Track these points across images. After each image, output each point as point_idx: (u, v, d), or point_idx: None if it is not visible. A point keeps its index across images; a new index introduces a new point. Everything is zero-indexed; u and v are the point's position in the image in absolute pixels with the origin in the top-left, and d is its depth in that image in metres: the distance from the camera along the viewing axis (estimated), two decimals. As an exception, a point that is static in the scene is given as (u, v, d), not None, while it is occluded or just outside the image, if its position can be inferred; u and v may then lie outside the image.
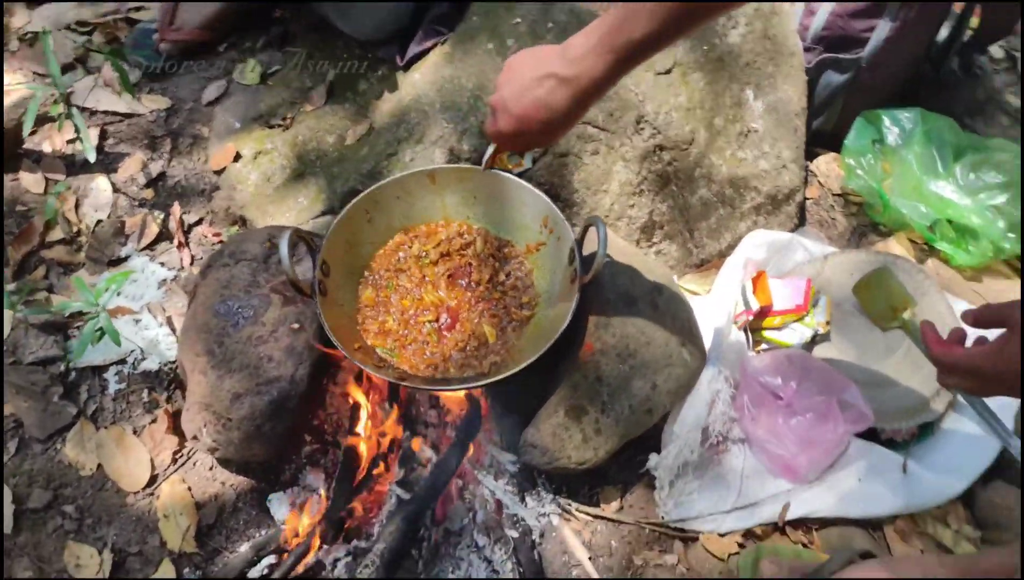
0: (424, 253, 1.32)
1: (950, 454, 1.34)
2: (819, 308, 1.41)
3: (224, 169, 1.59)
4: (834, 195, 1.73)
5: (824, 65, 1.63)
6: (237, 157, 1.58)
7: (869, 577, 1.15)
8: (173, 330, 1.42)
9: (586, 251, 1.23)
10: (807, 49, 1.63)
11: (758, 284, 1.43)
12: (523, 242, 1.33)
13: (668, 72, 1.41)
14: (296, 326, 1.20)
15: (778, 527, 1.30)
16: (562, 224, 1.26)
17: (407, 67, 1.53)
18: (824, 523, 1.31)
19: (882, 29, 1.56)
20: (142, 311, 1.43)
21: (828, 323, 1.40)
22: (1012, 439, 1.35)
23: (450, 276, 1.31)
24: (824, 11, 1.58)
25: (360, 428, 1.30)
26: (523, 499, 1.31)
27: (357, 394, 1.30)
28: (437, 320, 1.26)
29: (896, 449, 1.36)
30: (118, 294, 1.41)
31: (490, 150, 1.15)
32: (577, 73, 0.90)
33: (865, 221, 1.71)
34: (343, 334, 1.18)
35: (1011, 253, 1.57)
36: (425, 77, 1.46)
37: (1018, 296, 1.61)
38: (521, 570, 1.23)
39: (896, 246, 1.66)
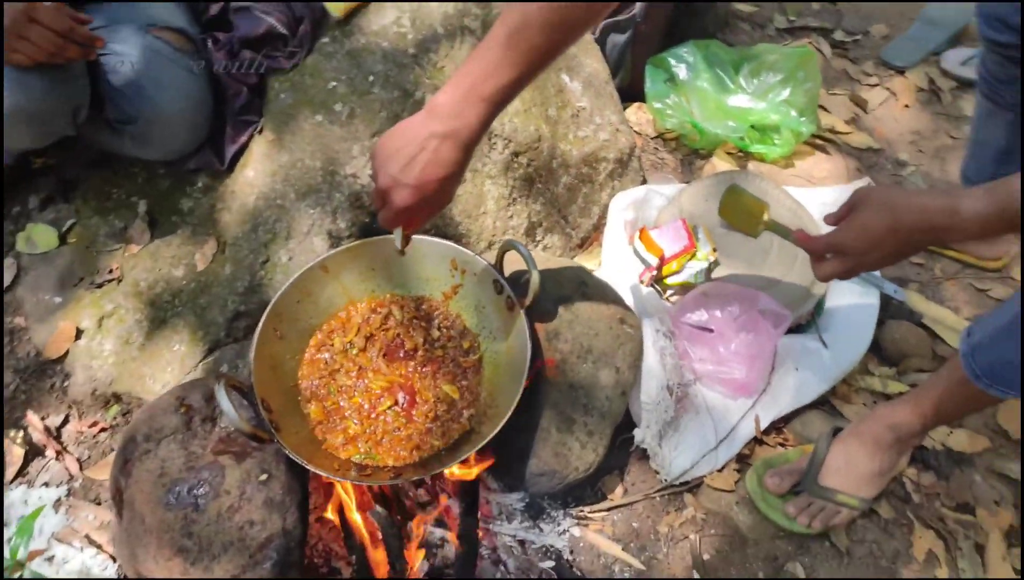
0: (349, 344, 1.25)
1: (846, 316, 1.53)
2: (702, 240, 1.53)
3: (67, 352, 1.38)
4: (653, 139, 1.87)
5: (607, 31, 1.76)
6: (78, 334, 1.37)
7: (850, 451, 1.30)
8: (99, 547, 1.22)
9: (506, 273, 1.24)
10: (586, 21, 1.74)
11: (644, 240, 1.52)
12: (438, 292, 1.31)
13: (493, 83, 1.43)
14: (264, 477, 1.09)
15: (758, 440, 1.41)
16: (472, 259, 1.26)
17: (231, 168, 1.42)
18: (787, 419, 1.44)
19: (643, -16, 1.71)
20: (51, 545, 1.21)
21: (715, 250, 1.53)
22: (884, 283, 1.57)
23: (385, 355, 1.25)
24: (588, -17, 1.69)
25: (361, 542, 1.21)
26: (539, 528, 1.31)
27: (346, 509, 1.21)
28: (396, 403, 1.21)
29: (806, 330, 1.53)
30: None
31: (398, 234, 1.07)
32: (456, 127, 0.92)
33: (687, 151, 1.87)
34: (317, 461, 1.09)
35: (808, 134, 1.81)
36: (261, 171, 1.36)
37: (828, 165, 1.86)
38: (575, 594, 1.23)
39: (720, 163, 1.85)
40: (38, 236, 1.50)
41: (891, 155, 1.92)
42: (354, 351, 1.25)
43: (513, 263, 1.27)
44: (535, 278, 1.16)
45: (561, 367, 1.24)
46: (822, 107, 1.94)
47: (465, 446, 1.14)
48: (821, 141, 1.90)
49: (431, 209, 1.00)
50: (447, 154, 0.92)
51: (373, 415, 1.19)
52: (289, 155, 1.35)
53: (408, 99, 1.36)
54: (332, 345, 1.25)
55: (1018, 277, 1.66)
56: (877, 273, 1.59)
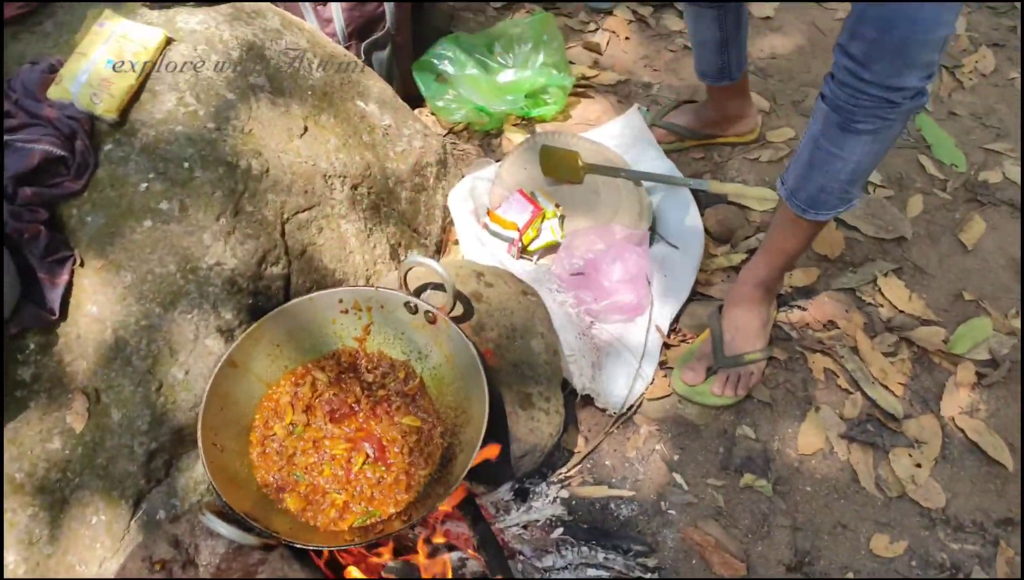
0: (291, 425, 1.20)
1: (676, 218, 1.74)
2: (543, 201, 1.65)
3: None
4: (446, 135, 1.96)
5: (369, 50, 1.80)
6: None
7: (735, 318, 1.50)
8: None
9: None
10: (349, 47, 1.77)
11: (496, 220, 1.61)
12: (350, 339, 1.29)
13: (306, 131, 1.42)
14: None
15: (667, 345, 1.57)
16: (373, 294, 1.26)
17: (63, 315, 1.27)
18: (677, 317, 1.62)
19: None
20: None
21: (558, 206, 1.66)
22: (688, 180, 1.81)
23: (331, 419, 1.22)
24: (338, 13, 1.71)
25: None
26: (534, 507, 1.35)
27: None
28: (368, 456, 1.18)
29: (654, 242, 1.72)
30: None
31: None
32: None
33: (480, 136, 1.99)
34: (326, 542, 1.05)
35: (570, 86, 2.00)
36: (106, 301, 1.23)
37: (596, 106, 2.08)
38: (597, 546, 1.30)
39: (512, 136, 1.98)
40: None
41: (637, 81, 2.19)
42: (300, 429, 1.20)
43: (412, 280, 1.30)
44: (450, 284, 1.19)
45: (498, 353, 1.29)
46: (569, 61, 2.15)
47: (455, 460, 1.16)
48: (581, 89, 2.11)
49: None
50: None
51: (352, 478, 1.16)
52: (132, 273, 1.24)
53: (235, 171, 1.31)
54: (275, 434, 1.19)
55: (773, 139, 2.00)
56: (680, 174, 1.82)
